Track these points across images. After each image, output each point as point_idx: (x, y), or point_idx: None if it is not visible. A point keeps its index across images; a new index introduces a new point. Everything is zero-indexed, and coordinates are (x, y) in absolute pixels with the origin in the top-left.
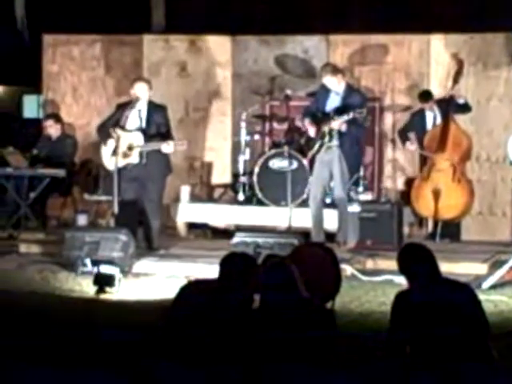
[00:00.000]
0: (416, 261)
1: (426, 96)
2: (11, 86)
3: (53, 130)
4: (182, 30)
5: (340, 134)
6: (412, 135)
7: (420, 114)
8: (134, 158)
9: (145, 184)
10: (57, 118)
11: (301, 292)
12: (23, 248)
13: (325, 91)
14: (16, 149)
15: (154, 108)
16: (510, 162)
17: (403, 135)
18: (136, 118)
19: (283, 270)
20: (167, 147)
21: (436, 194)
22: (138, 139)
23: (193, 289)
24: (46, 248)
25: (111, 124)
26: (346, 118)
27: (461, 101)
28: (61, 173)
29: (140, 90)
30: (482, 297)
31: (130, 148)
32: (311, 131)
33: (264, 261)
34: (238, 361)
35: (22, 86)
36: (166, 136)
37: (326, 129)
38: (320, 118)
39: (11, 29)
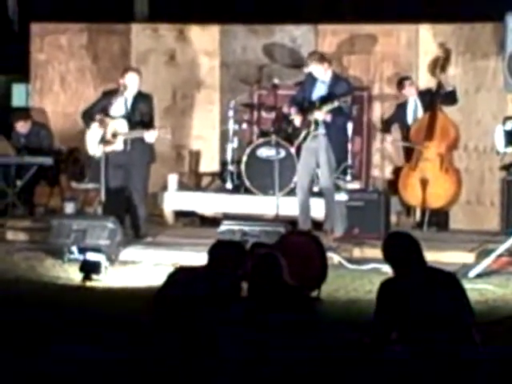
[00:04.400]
0: (401, 249)
1: (401, 80)
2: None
3: (23, 128)
4: (169, 18)
5: (326, 123)
6: (395, 127)
7: (403, 105)
8: (119, 145)
9: (129, 172)
10: (25, 116)
11: (285, 280)
12: (10, 235)
13: (311, 80)
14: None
15: (140, 97)
16: (496, 151)
17: (385, 127)
18: (121, 105)
19: (271, 259)
20: (150, 136)
21: (424, 183)
22: (122, 126)
23: (180, 275)
24: (32, 235)
25: (97, 111)
26: (330, 106)
27: (449, 88)
28: (48, 161)
29: (131, 80)
30: (468, 285)
31: (115, 135)
32: (297, 120)
33: (251, 249)
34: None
35: (11, 75)
36: (147, 125)
37: (311, 118)
38: (306, 106)
39: (1, 16)
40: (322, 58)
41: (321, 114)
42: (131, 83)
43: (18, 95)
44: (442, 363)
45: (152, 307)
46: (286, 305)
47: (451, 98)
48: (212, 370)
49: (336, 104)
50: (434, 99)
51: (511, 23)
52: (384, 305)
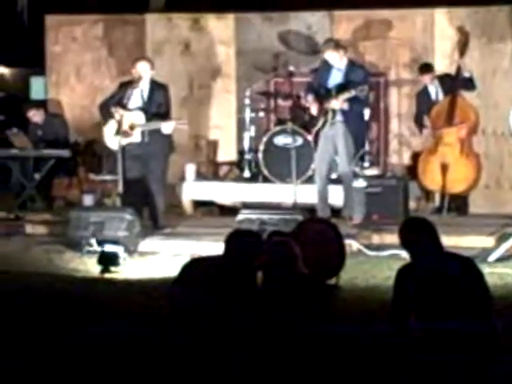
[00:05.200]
0: (417, 235)
1: (425, 67)
2: (18, 68)
3: (37, 117)
4: (184, 8)
5: (343, 110)
6: (426, 119)
7: (424, 92)
8: (136, 137)
9: (148, 163)
10: (36, 105)
11: (299, 269)
12: (29, 229)
13: (327, 67)
14: (21, 130)
15: (156, 87)
16: (510, 133)
17: (419, 122)
18: (138, 97)
19: (284, 248)
20: (167, 127)
21: (444, 168)
22: (139, 118)
23: (196, 266)
24: (51, 228)
25: (113, 102)
26: (347, 95)
27: (466, 74)
28: (66, 153)
29: (142, 69)
30: (487, 270)
31: (132, 127)
32: (314, 108)
33: (268, 237)
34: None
35: (30, 68)
36: (164, 116)
37: (328, 106)
38: (322, 94)
39: (11, 11)
40: (338, 45)
41: (337, 103)
42: (143, 72)
43: (36, 88)
44: (459, 350)
45: (167, 300)
46: (300, 294)
47: (470, 84)
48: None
49: (353, 93)
50: (454, 84)
51: None
52: (401, 291)
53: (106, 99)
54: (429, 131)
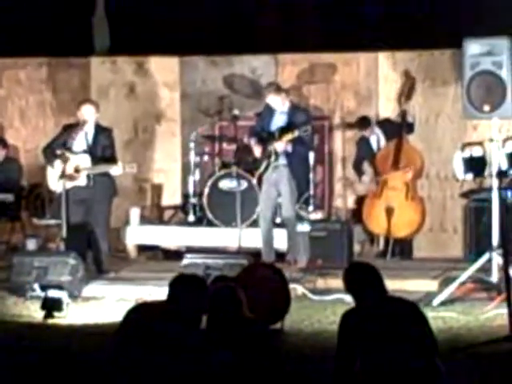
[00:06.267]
0: (361, 280)
1: (363, 123)
2: None
3: None
4: (128, 51)
5: (287, 153)
6: (366, 165)
7: (364, 140)
8: (81, 181)
9: (92, 207)
10: (3, 143)
11: (244, 314)
12: None
13: (269, 110)
14: None
15: (100, 131)
16: (455, 178)
17: (357, 168)
18: (82, 140)
19: (229, 292)
20: (117, 169)
21: (389, 212)
22: (84, 161)
23: (141, 311)
24: None
25: (58, 145)
26: (290, 136)
27: (410, 119)
28: (9, 197)
29: (87, 113)
30: (431, 314)
31: (77, 170)
32: (257, 151)
33: (213, 282)
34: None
35: None
36: (110, 159)
37: (271, 148)
38: (265, 137)
39: None
40: (279, 88)
41: (281, 145)
42: (88, 115)
43: None
44: None
45: (111, 345)
46: (244, 339)
47: (409, 128)
48: None
49: (296, 134)
50: (400, 128)
51: (469, 50)
52: (346, 336)
53: (50, 142)
54: (369, 177)
